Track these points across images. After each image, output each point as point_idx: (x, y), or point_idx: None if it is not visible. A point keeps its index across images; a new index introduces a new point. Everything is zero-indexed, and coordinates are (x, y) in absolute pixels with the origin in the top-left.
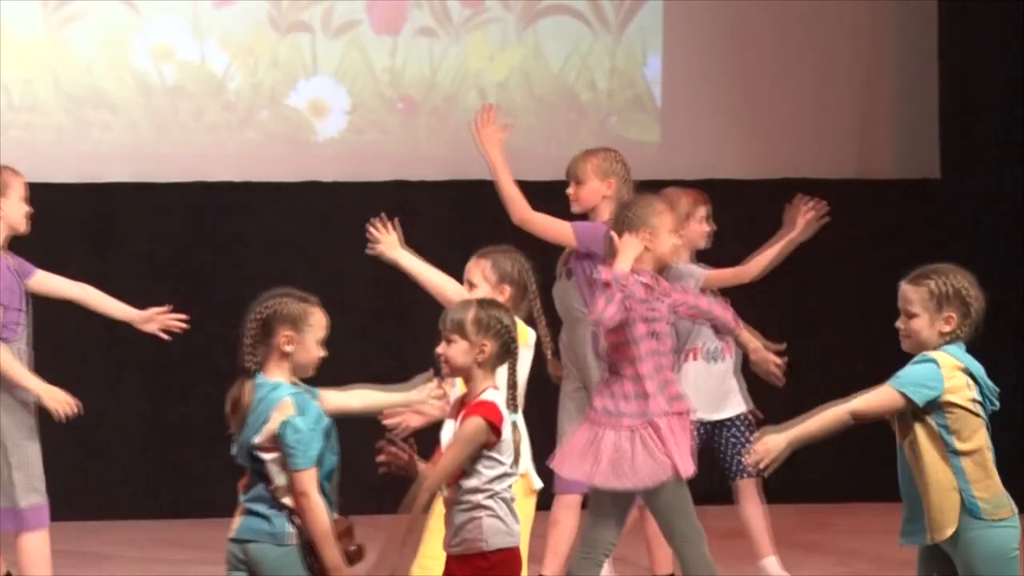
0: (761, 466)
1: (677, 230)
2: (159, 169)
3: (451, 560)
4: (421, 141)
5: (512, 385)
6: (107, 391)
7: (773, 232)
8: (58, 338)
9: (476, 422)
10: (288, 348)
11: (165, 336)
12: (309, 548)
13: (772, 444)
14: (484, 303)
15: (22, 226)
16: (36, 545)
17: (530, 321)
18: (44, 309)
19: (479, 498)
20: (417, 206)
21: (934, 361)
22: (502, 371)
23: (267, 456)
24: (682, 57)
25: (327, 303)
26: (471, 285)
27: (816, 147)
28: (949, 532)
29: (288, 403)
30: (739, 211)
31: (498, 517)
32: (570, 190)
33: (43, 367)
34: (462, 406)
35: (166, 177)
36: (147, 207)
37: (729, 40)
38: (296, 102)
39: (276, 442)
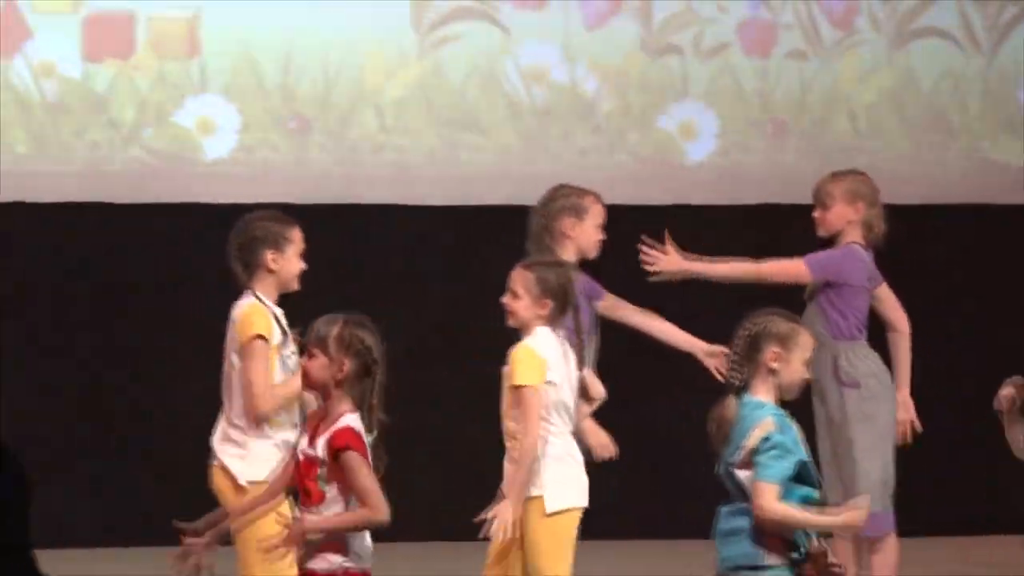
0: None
1: None
2: (529, 192)
3: None
4: (790, 164)
5: (369, 408)
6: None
7: None
8: None
9: (355, 455)
10: (775, 366)
11: (719, 376)
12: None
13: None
14: (350, 321)
15: (592, 252)
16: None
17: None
18: None
19: None
20: (786, 229)
21: None
22: None
23: (743, 474)
24: None
25: (693, 324)
26: (514, 295)
27: None
28: None
29: (769, 422)
30: None
31: (346, 542)
32: (816, 213)
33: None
34: (318, 423)
35: (535, 200)
36: (517, 230)
37: None
38: (665, 124)
39: (752, 457)
